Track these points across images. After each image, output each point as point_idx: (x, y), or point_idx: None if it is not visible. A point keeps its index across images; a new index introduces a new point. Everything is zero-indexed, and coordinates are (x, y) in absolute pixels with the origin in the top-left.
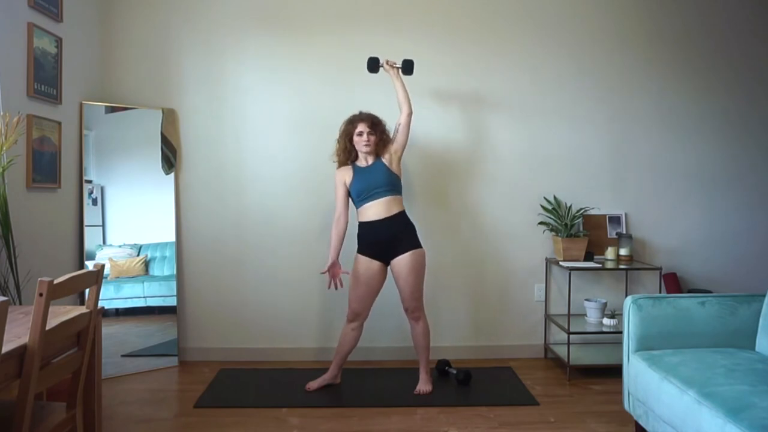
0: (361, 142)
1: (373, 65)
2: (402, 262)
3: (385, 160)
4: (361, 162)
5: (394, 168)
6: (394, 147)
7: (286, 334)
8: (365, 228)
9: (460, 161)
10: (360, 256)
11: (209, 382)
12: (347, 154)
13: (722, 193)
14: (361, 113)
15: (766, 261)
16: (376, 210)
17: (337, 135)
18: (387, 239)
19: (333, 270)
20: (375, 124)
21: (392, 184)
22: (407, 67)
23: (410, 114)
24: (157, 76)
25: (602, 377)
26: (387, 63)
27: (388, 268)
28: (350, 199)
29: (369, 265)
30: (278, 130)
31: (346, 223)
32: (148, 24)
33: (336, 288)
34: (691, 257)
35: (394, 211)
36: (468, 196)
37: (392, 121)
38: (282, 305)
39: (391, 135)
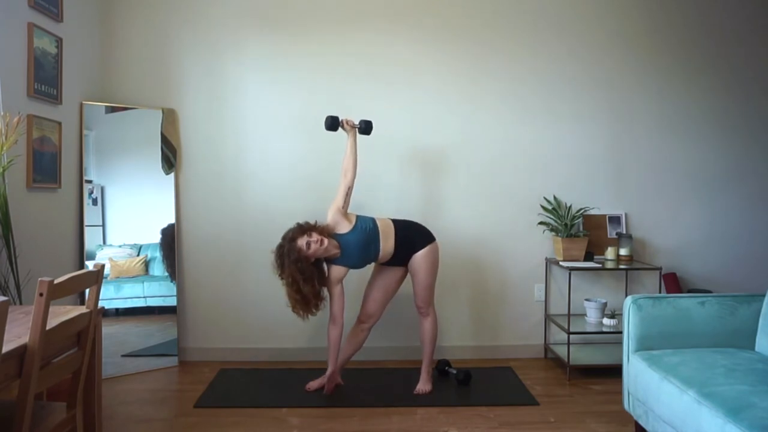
0: (316, 248)
1: (333, 124)
2: (419, 258)
3: (344, 229)
4: (335, 255)
5: (348, 220)
6: (343, 211)
7: (286, 334)
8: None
9: (460, 160)
10: (381, 266)
11: (209, 382)
12: (311, 281)
13: (722, 193)
14: (283, 239)
15: (766, 261)
16: (384, 254)
17: (336, 133)
18: (403, 252)
19: (334, 378)
20: (305, 228)
21: (369, 234)
22: (366, 128)
23: (354, 178)
24: (157, 76)
25: (602, 377)
26: (347, 123)
27: (407, 270)
28: None
29: (390, 270)
30: (278, 130)
31: (342, 325)
32: (148, 24)
33: (328, 393)
34: (691, 257)
35: (392, 236)
36: (467, 196)
37: (395, 116)
38: (282, 305)
39: (343, 197)
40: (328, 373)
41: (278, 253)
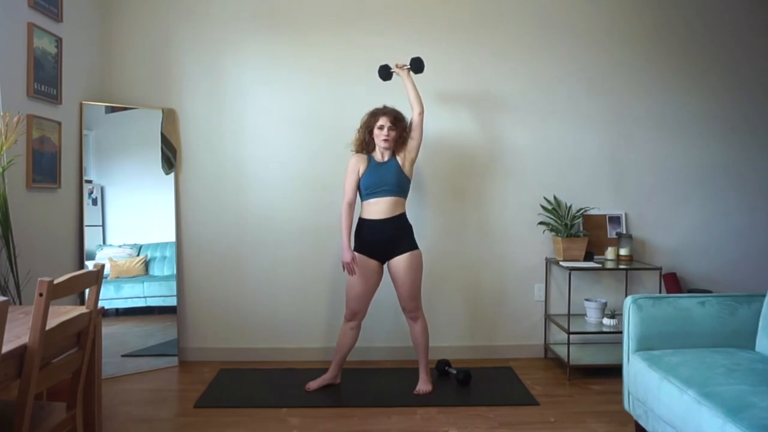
0: (381, 136)
1: (385, 73)
2: (401, 262)
3: (399, 159)
4: (377, 156)
5: (406, 169)
6: (409, 147)
7: (285, 334)
8: (366, 225)
9: (460, 161)
10: (357, 254)
11: (209, 382)
12: (364, 146)
13: (722, 193)
14: (385, 107)
15: (766, 261)
16: (380, 208)
17: (337, 133)
18: (387, 239)
19: (354, 260)
20: (397, 120)
21: (401, 186)
22: (417, 66)
23: (422, 113)
24: (157, 76)
25: (602, 377)
26: (397, 66)
27: (384, 267)
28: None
29: (366, 263)
30: (278, 130)
31: (354, 209)
32: (148, 24)
33: (351, 274)
34: (691, 257)
35: (397, 212)
36: (468, 196)
37: None
38: (282, 305)
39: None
40: (351, 255)
41: (375, 109)
